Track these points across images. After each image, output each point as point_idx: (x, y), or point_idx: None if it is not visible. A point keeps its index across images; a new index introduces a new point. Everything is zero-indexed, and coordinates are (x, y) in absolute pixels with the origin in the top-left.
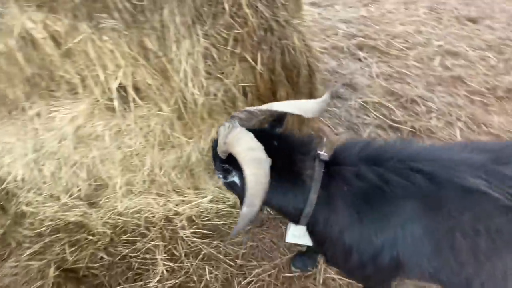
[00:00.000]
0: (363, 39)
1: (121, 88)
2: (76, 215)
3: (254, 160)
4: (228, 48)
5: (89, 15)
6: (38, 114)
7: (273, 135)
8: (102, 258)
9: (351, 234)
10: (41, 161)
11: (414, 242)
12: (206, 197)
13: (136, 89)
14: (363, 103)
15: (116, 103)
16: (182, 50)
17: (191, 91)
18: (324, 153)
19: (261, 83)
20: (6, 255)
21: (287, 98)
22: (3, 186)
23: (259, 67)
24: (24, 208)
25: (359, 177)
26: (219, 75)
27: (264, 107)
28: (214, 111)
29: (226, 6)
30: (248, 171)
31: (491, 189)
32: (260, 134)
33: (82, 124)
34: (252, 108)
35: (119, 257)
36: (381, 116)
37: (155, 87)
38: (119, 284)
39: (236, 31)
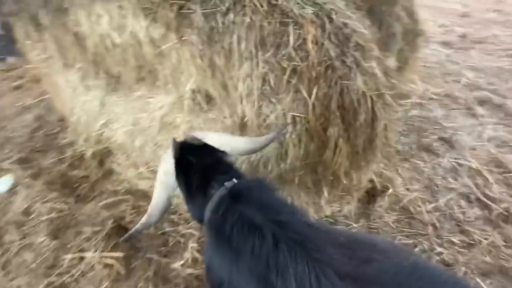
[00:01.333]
0: (489, 94)
1: (197, 92)
2: (146, 185)
3: (162, 183)
4: (285, 77)
5: (177, 29)
6: (140, 96)
7: (211, 152)
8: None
9: (209, 255)
10: (135, 134)
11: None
12: None
13: (207, 96)
14: (456, 165)
15: (189, 103)
16: (241, 71)
17: (243, 109)
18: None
19: (312, 117)
20: (90, 198)
21: (338, 138)
22: (106, 145)
23: (311, 101)
24: (114, 166)
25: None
26: (272, 100)
27: (199, 135)
28: (263, 132)
29: (291, 40)
30: (155, 192)
31: None
32: (200, 149)
33: (167, 113)
34: (191, 134)
35: (161, 232)
36: (472, 186)
37: (218, 97)
38: (152, 253)
39: (295, 63)
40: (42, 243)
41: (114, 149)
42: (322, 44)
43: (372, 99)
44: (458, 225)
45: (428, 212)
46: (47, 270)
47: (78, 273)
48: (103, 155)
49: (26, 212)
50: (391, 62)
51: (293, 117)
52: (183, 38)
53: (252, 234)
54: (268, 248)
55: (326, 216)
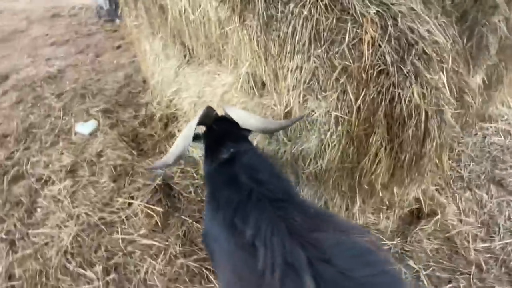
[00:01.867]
0: None
1: (251, 75)
2: (197, 154)
3: (184, 135)
4: (334, 75)
5: (241, 12)
6: (208, 72)
7: (233, 126)
8: (190, 192)
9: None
10: (198, 105)
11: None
12: None
13: (261, 81)
14: None
15: (244, 85)
16: (292, 62)
17: (289, 100)
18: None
19: (356, 120)
20: (150, 155)
21: (380, 147)
22: (173, 110)
23: (357, 104)
24: (175, 131)
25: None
26: (318, 96)
27: (230, 110)
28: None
29: (347, 38)
30: (177, 140)
31: None
32: (227, 122)
33: (226, 91)
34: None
35: (199, 199)
36: None
37: (269, 84)
38: (187, 216)
39: (346, 62)
40: (103, 183)
41: (179, 116)
42: (380, 46)
43: (427, 114)
44: (509, 275)
45: (476, 250)
46: (102, 206)
47: (125, 215)
48: (169, 119)
49: (99, 154)
50: (476, 79)
51: (336, 117)
52: (245, 22)
53: (232, 188)
54: (240, 198)
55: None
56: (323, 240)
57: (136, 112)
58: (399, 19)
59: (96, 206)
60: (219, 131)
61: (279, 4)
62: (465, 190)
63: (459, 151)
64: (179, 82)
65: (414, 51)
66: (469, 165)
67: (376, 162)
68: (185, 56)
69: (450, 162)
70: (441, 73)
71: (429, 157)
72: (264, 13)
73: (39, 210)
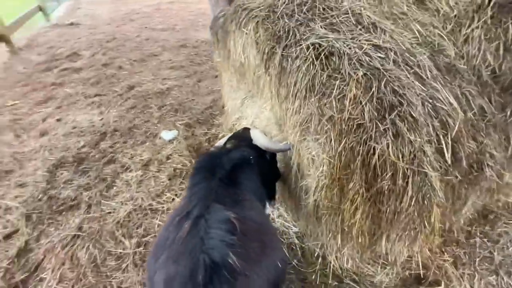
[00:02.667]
0: None
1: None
2: None
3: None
4: (323, 121)
5: (266, 62)
6: (260, 106)
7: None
8: None
9: None
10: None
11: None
12: None
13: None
14: None
15: (270, 119)
16: (293, 106)
17: (292, 138)
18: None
19: (338, 164)
20: None
21: (357, 194)
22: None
23: (339, 150)
24: None
25: None
26: (312, 138)
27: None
28: (305, 163)
29: (334, 92)
30: None
31: None
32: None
33: (267, 124)
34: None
35: None
36: None
37: (282, 121)
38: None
39: (332, 112)
40: (162, 179)
41: None
42: (360, 103)
43: (405, 172)
44: None
45: None
46: (155, 196)
47: (167, 207)
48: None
49: (168, 157)
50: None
51: (323, 158)
52: (268, 70)
53: (200, 179)
54: (205, 176)
55: (347, 270)
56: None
57: (208, 130)
58: (383, 83)
59: (150, 195)
60: (237, 137)
61: (290, 59)
62: (491, 273)
63: (500, 231)
64: (241, 111)
65: (396, 112)
66: (509, 248)
67: (353, 208)
68: (250, 90)
69: (481, 238)
70: (425, 137)
71: (408, 215)
72: (280, 64)
73: (114, 188)
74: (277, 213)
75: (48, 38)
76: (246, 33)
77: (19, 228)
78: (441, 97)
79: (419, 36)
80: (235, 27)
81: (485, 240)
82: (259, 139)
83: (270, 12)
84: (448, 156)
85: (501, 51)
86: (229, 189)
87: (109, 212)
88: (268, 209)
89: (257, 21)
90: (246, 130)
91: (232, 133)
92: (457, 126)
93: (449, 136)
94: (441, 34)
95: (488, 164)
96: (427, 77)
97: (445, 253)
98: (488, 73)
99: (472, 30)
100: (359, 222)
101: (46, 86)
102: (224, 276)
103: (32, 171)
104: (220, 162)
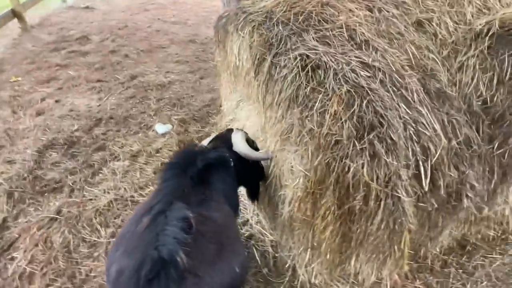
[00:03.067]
0: None
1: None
2: None
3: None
4: (303, 133)
5: (257, 66)
6: (250, 109)
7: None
8: None
9: None
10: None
11: None
12: None
13: None
14: None
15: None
16: (276, 114)
17: (272, 145)
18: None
19: (313, 178)
20: None
21: (328, 210)
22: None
23: (314, 164)
24: None
25: None
26: (292, 148)
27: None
28: (285, 173)
29: (315, 105)
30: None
31: None
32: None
33: (257, 129)
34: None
35: None
36: None
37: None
38: None
39: (312, 126)
40: (148, 172)
41: None
42: (341, 119)
43: (378, 194)
44: None
45: None
46: (138, 188)
47: None
48: None
49: (158, 150)
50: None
51: (299, 170)
52: (257, 76)
53: (171, 175)
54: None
55: (316, 285)
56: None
57: (202, 128)
58: (365, 102)
59: (134, 186)
60: (221, 138)
61: (278, 67)
62: None
63: (477, 264)
64: (235, 113)
65: (375, 132)
66: (483, 282)
67: (324, 224)
68: (243, 94)
69: (457, 268)
70: (403, 161)
71: (377, 237)
72: (268, 71)
73: (100, 175)
74: (256, 219)
75: (61, 19)
76: (242, 37)
77: None
78: (425, 122)
79: (412, 58)
80: (233, 29)
81: (460, 271)
82: (238, 144)
83: (267, 18)
84: (425, 182)
85: (494, 82)
86: (197, 189)
87: (91, 199)
88: (243, 213)
89: (254, 26)
90: (230, 131)
91: (216, 133)
92: (438, 153)
93: (428, 163)
94: (436, 58)
95: (467, 195)
96: (414, 101)
97: (417, 280)
98: (479, 103)
99: (468, 58)
100: (328, 239)
101: (51, 66)
102: (171, 273)
103: (22, 149)
104: (194, 160)
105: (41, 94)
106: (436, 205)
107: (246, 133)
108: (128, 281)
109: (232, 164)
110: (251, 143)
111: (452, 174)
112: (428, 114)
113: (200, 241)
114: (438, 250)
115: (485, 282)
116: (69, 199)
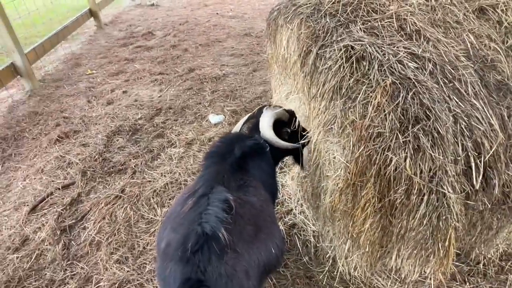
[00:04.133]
0: None
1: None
2: None
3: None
4: (345, 124)
5: (303, 59)
6: (299, 100)
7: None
8: None
9: None
10: None
11: None
12: None
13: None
14: None
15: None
16: (320, 105)
17: (314, 136)
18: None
19: (354, 169)
20: None
21: (368, 202)
22: None
23: (355, 155)
24: None
25: None
26: (334, 139)
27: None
28: (325, 164)
29: (359, 97)
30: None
31: None
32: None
33: (303, 120)
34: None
35: None
36: None
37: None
38: None
39: (354, 117)
40: (200, 159)
41: None
42: (384, 111)
43: (420, 188)
44: None
45: None
46: (190, 173)
47: None
48: None
49: (210, 139)
50: None
51: (340, 161)
52: (303, 67)
53: (211, 163)
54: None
55: (355, 277)
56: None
57: None
58: (410, 94)
59: (187, 171)
60: (252, 120)
61: (323, 59)
62: None
63: None
64: (285, 105)
65: (420, 125)
66: None
67: (364, 216)
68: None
69: None
70: (451, 157)
71: (419, 233)
72: (314, 63)
73: (158, 160)
74: (299, 209)
75: (130, 17)
76: (291, 29)
77: (75, 181)
78: (480, 116)
79: (470, 49)
80: (283, 22)
81: None
82: (264, 131)
83: (315, 10)
84: (477, 180)
85: None
86: (236, 175)
87: (149, 181)
88: (287, 202)
89: (302, 18)
90: (260, 112)
91: (248, 115)
92: (493, 149)
93: (482, 159)
94: (498, 48)
95: None
96: (467, 93)
97: (467, 283)
98: None
99: None
100: (368, 231)
101: (120, 60)
102: (213, 247)
103: (94, 134)
104: (232, 149)
105: (111, 86)
106: (489, 205)
107: (279, 112)
108: (174, 252)
109: (267, 149)
110: (285, 121)
111: (510, 173)
112: (484, 108)
113: (239, 221)
114: (493, 254)
115: None
116: (132, 180)
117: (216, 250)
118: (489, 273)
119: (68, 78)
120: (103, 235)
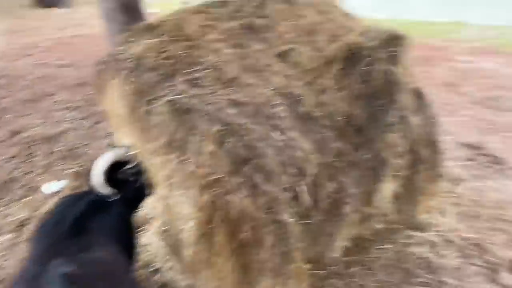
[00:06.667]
0: None
1: None
2: None
3: None
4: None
5: None
6: None
7: None
8: None
9: None
10: None
11: None
12: None
13: None
14: None
15: None
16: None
17: None
18: None
19: (201, 218)
20: None
21: (222, 248)
22: None
23: (200, 204)
24: None
25: None
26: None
27: None
28: None
29: (193, 147)
30: None
31: None
32: None
33: None
34: None
35: None
36: None
37: None
38: None
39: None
40: None
41: None
42: (216, 158)
43: (262, 222)
44: None
45: None
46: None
47: None
48: None
49: None
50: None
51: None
52: (134, 124)
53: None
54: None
55: None
56: None
57: None
58: (236, 137)
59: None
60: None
61: (151, 114)
62: None
63: (374, 258)
64: None
65: (249, 164)
66: (380, 274)
67: (222, 261)
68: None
69: (357, 266)
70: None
71: (273, 262)
72: (143, 119)
73: None
74: (168, 266)
75: None
76: (115, 85)
77: None
78: (297, 145)
79: (279, 88)
80: (109, 76)
81: (361, 267)
82: (93, 179)
83: (137, 65)
84: (305, 200)
85: (351, 99)
86: (78, 238)
87: None
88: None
89: (125, 73)
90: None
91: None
92: (313, 170)
93: (306, 181)
94: (300, 85)
95: (346, 202)
96: (284, 127)
97: (325, 287)
98: (343, 118)
99: (326, 80)
100: (230, 274)
101: None
102: None
103: None
104: (68, 212)
105: None
106: (321, 218)
107: (118, 153)
108: None
109: (112, 199)
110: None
111: (331, 186)
112: (300, 137)
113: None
114: (338, 254)
115: (383, 272)
116: None
117: None
118: (340, 271)
119: None
120: None
